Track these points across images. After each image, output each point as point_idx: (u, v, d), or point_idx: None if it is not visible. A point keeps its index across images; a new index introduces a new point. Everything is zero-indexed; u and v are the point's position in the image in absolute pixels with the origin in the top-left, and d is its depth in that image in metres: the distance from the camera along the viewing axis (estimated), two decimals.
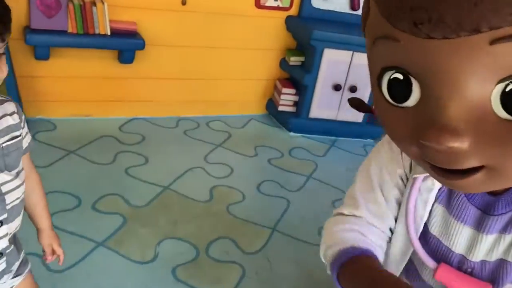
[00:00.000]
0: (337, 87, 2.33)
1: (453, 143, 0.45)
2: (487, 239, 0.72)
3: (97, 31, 2.00)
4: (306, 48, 2.34)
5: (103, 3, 1.98)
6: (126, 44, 2.06)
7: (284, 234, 1.71)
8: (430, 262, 0.76)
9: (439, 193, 0.75)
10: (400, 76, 0.45)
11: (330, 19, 2.36)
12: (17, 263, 0.87)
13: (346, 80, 2.33)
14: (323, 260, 0.82)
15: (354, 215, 0.82)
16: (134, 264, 1.45)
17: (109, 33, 2.02)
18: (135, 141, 2.12)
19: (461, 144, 0.45)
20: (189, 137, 2.25)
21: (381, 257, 0.79)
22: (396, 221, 0.81)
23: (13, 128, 0.78)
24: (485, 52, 0.39)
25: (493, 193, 0.70)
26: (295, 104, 2.46)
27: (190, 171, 1.98)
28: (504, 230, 0.71)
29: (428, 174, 0.72)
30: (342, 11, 2.37)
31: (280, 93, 2.45)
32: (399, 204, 0.81)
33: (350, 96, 2.36)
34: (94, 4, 1.97)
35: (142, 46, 2.07)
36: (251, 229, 1.70)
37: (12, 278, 0.87)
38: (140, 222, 1.63)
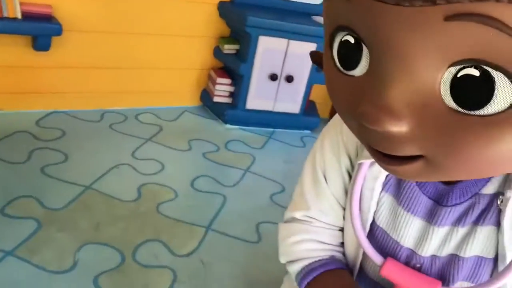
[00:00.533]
0: (273, 77, 2.25)
1: (391, 126, 0.40)
2: (439, 232, 0.64)
3: (5, 14, 1.78)
4: (241, 36, 2.23)
5: None
6: (40, 29, 1.85)
7: (219, 232, 1.60)
8: (376, 258, 0.69)
9: (386, 181, 0.67)
10: (352, 40, 0.40)
11: (265, 5, 2.26)
12: None
13: (282, 69, 2.24)
14: (287, 269, 0.79)
15: (306, 220, 0.77)
16: (50, 274, 1.29)
17: (19, 16, 1.81)
18: (53, 136, 1.92)
19: (400, 128, 0.40)
20: (115, 131, 2.08)
21: (342, 258, 0.77)
22: (345, 211, 0.74)
23: None
24: (439, 28, 0.34)
25: (446, 182, 0.63)
26: (231, 94, 2.35)
27: (116, 168, 1.81)
28: (457, 222, 0.64)
29: (371, 159, 0.64)
30: None
31: (214, 83, 2.33)
32: (347, 194, 0.73)
33: (286, 86, 2.29)
34: None
35: (59, 31, 1.87)
36: (183, 229, 1.57)
37: None
38: (57, 227, 1.45)
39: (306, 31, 2.20)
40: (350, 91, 0.42)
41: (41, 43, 1.89)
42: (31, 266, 1.30)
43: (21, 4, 1.80)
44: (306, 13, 2.32)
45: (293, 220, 0.79)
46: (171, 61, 2.29)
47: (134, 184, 1.74)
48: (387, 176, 0.67)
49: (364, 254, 0.74)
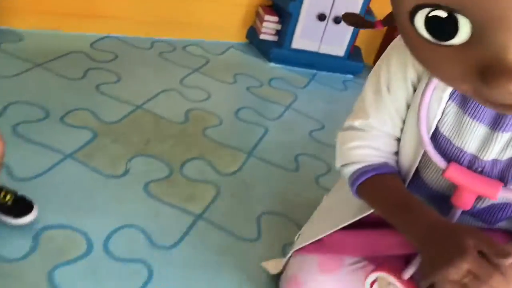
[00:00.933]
0: (321, 17, 2.24)
1: None
2: (502, 137, 0.69)
3: None
4: None
5: None
6: None
7: (260, 159, 1.67)
8: (440, 162, 0.74)
9: (453, 91, 0.71)
10: (443, 14, 0.39)
11: None
12: None
13: (331, 9, 2.24)
14: (341, 173, 0.87)
15: (363, 129, 0.82)
16: (105, 177, 1.40)
17: None
18: (107, 58, 2.00)
19: None
20: (164, 59, 2.15)
21: (395, 166, 0.82)
22: (404, 123, 0.79)
23: None
24: None
25: None
26: (277, 33, 2.37)
27: (165, 93, 1.89)
28: (500, 127, 0.68)
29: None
30: None
31: (262, 21, 2.35)
32: (408, 107, 0.77)
33: (333, 28, 2.28)
34: None
35: None
36: (226, 153, 1.65)
37: None
38: (110, 138, 1.55)
39: None
40: (454, 59, 0.43)
41: None
42: (88, 169, 1.41)
43: None
44: None
45: (351, 128, 0.85)
46: None
47: (182, 108, 1.82)
48: (456, 99, 0.71)
49: (421, 161, 0.79)
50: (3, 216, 1.15)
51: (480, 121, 0.68)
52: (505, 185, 0.70)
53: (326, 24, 2.28)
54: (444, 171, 0.72)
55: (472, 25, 0.39)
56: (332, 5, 2.22)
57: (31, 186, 1.29)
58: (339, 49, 2.37)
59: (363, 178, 0.81)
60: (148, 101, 1.80)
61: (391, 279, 0.81)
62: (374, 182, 0.80)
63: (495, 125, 0.67)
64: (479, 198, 0.74)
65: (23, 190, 1.21)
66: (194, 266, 1.20)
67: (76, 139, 1.51)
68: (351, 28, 2.31)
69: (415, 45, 0.45)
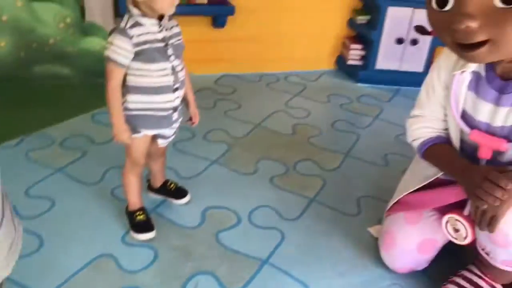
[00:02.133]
0: (400, 41, 2.65)
1: (469, 23, 0.89)
2: (503, 110, 1.10)
3: (197, 1, 2.46)
4: (371, 7, 2.67)
5: None
6: (219, 10, 2.50)
7: (355, 158, 2.10)
8: (466, 129, 1.16)
9: (469, 84, 1.14)
10: None
11: None
12: (181, 118, 1.49)
13: (407, 34, 2.64)
14: (412, 146, 1.29)
15: (421, 115, 1.28)
16: (242, 175, 1.91)
17: (205, 2, 2.47)
18: (229, 91, 2.58)
19: (474, 23, 0.90)
20: (271, 88, 2.68)
21: (447, 137, 1.27)
22: (446, 109, 1.23)
23: (178, 34, 1.37)
24: None
25: (505, 79, 1.08)
26: (362, 58, 2.81)
27: (275, 113, 2.41)
28: (501, 102, 1.10)
29: (460, 71, 1.12)
30: None
31: (348, 49, 2.81)
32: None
33: (411, 48, 2.68)
34: None
35: (232, 11, 2.50)
36: (328, 155, 2.10)
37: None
38: (241, 148, 2.08)
39: None
40: (444, 20, 0.93)
41: (219, 21, 2.55)
42: (229, 170, 1.93)
43: None
44: None
45: (414, 116, 1.31)
46: (312, 32, 2.82)
47: (289, 123, 2.32)
48: (470, 81, 1.13)
49: (462, 132, 1.21)
50: (169, 197, 1.70)
51: (487, 101, 1.10)
52: (510, 141, 1.11)
53: (405, 46, 2.68)
54: (469, 135, 1.14)
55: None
56: (408, 30, 2.62)
57: (191, 182, 1.83)
58: (417, 66, 2.74)
59: (426, 147, 1.26)
60: (264, 120, 2.33)
61: (457, 217, 1.23)
62: (433, 149, 1.25)
63: (498, 102, 1.09)
64: (496, 152, 1.14)
65: (185, 184, 1.76)
66: (312, 232, 1.65)
67: (217, 150, 2.05)
68: (427, 46, 2.68)
69: (430, 13, 0.96)
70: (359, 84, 2.80)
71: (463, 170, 1.13)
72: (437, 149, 1.25)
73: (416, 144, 1.31)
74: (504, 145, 1.12)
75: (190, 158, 1.98)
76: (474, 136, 1.16)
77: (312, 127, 2.32)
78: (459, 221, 1.23)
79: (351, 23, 2.81)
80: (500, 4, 0.87)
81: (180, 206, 1.71)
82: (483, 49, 0.94)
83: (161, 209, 1.69)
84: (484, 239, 1.19)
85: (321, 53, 2.93)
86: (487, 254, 1.24)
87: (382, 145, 2.21)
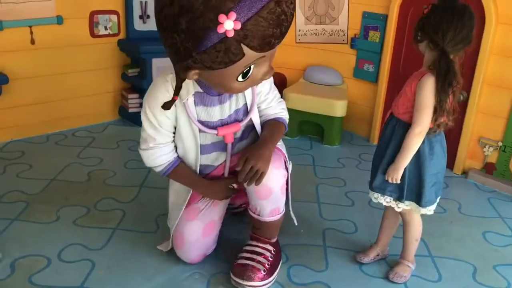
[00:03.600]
0: None
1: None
2: (224, 106, 1.62)
3: None
4: (139, 61, 3.08)
5: None
6: None
7: (149, 187, 2.41)
8: (213, 131, 1.61)
9: (194, 102, 1.56)
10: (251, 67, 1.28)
11: (151, 36, 3.12)
12: None
13: None
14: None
15: (156, 145, 1.64)
16: (44, 225, 2.04)
17: None
18: (17, 156, 2.65)
19: None
20: (60, 146, 2.84)
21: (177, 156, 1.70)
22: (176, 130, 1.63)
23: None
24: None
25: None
26: (141, 105, 3.17)
27: (68, 166, 2.58)
28: (222, 103, 1.60)
29: (186, 98, 1.53)
30: None
31: (127, 99, 3.15)
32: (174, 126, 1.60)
33: None
34: None
35: (6, 81, 2.62)
36: (124, 189, 2.37)
37: None
38: (40, 202, 2.21)
39: None
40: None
41: None
42: (31, 223, 2.05)
43: None
44: None
45: (149, 148, 1.67)
46: (92, 89, 3.09)
47: (84, 172, 2.52)
48: (194, 100, 1.56)
49: (200, 139, 1.62)
50: None
51: (215, 106, 1.57)
52: (240, 122, 1.63)
53: None
54: (217, 133, 1.58)
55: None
56: None
57: None
58: None
59: (168, 172, 1.69)
60: (58, 174, 2.48)
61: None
62: (174, 171, 1.69)
63: (220, 103, 1.57)
64: (235, 133, 1.63)
65: None
66: (120, 254, 1.89)
67: (15, 209, 2.14)
68: None
69: (231, 82, 1.32)
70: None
71: (206, 187, 1.69)
72: (178, 171, 1.67)
73: (158, 170, 1.67)
74: (238, 126, 1.61)
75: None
76: (222, 132, 1.59)
77: (106, 171, 2.56)
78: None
79: (124, 76, 3.17)
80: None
81: None
82: None
83: None
84: (254, 200, 1.65)
85: (103, 107, 3.21)
86: (258, 214, 1.69)
87: None
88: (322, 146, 3.08)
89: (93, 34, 2.99)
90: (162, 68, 3.19)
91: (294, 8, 1.21)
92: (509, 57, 2.49)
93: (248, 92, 1.61)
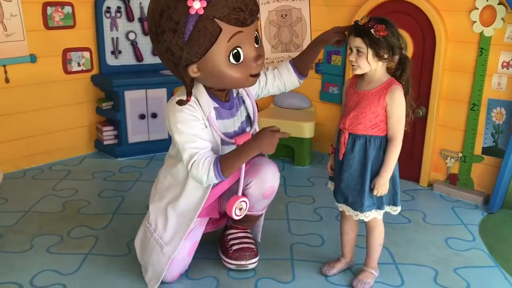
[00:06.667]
0: (142, 116, 3.21)
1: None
2: (236, 118, 1.78)
3: None
4: (112, 94, 3.18)
5: None
6: None
7: (122, 214, 2.47)
8: (230, 140, 1.73)
9: (215, 116, 1.71)
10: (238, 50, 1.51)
11: (123, 70, 3.25)
12: None
13: (147, 110, 3.21)
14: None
15: (196, 148, 1.65)
16: (17, 254, 2.08)
17: None
18: None
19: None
20: (36, 179, 2.90)
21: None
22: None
23: None
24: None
25: (226, 100, 1.74)
26: (116, 137, 3.27)
27: (44, 198, 2.64)
28: (235, 112, 1.78)
29: (209, 111, 1.67)
30: (131, 63, 3.29)
31: (102, 132, 3.24)
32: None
33: (153, 120, 3.25)
34: None
35: None
36: (98, 217, 2.42)
37: None
38: (14, 233, 2.25)
39: (157, 81, 3.21)
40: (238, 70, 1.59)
41: None
42: (4, 253, 2.09)
43: None
44: (155, 70, 3.33)
45: (192, 155, 1.66)
46: (67, 124, 3.18)
47: (59, 203, 2.57)
48: (215, 114, 1.69)
49: (223, 145, 1.72)
50: None
51: (228, 119, 1.73)
52: (249, 131, 1.79)
53: (147, 120, 3.24)
54: (235, 142, 1.72)
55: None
56: (146, 106, 3.20)
57: None
58: (163, 134, 3.30)
59: (218, 167, 1.63)
60: (33, 206, 2.54)
61: (243, 198, 1.76)
62: (221, 162, 1.67)
63: (231, 116, 1.73)
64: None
65: None
66: (92, 277, 1.93)
67: None
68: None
69: (224, 67, 1.54)
70: (119, 159, 3.23)
71: (250, 142, 1.64)
72: (223, 160, 1.62)
73: (211, 174, 1.60)
74: (249, 135, 1.75)
75: None
76: (239, 141, 1.71)
77: (81, 201, 2.62)
78: (244, 201, 1.75)
79: (98, 110, 3.27)
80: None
81: None
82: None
83: None
84: (258, 200, 1.84)
85: (79, 140, 3.29)
86: (251, 210, 1.85)
87: (145, 198, 2.64)
88: (294, 167, 3.18)
89: (66, 71, 3.10)
90: (135, 99, 3.38)
91: None
92: (461, 71, 2.64)
93: (248, 103, 1.84)
